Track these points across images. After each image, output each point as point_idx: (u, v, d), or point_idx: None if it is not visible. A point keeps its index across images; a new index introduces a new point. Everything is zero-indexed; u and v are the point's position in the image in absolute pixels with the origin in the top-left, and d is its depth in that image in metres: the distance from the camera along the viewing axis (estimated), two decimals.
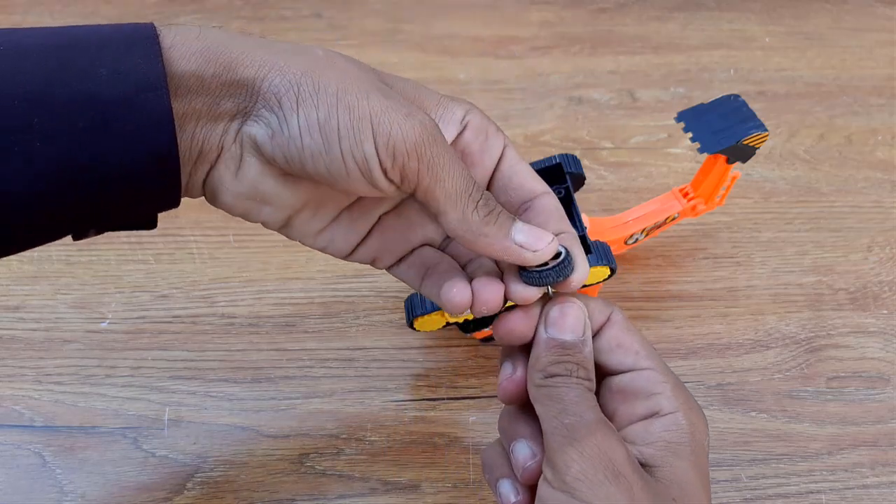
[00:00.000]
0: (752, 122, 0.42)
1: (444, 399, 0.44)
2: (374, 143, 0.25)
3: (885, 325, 0.48)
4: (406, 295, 0.41)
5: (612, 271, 0.39)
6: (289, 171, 0.27)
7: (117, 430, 0.43)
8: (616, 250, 0.46)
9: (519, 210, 0.30)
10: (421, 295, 0.39)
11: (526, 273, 0.28)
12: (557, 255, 0.28)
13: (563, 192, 0.41)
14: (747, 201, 0.55)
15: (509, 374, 0.29)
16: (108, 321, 0.47)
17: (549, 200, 0.30)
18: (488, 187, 0.31)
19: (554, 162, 0.42)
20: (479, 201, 0.27)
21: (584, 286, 0.39)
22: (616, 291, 0.49)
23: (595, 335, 0.29)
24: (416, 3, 0.71)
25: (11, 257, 0.52)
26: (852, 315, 0.48)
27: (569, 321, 0.28)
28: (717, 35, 0.68)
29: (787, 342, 0.47)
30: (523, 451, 0.28)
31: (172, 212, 0.54)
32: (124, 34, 0.26)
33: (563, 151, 0.48)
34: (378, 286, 0.49)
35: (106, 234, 0.54)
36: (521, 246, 0.27)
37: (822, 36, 0.68)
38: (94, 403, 0.44)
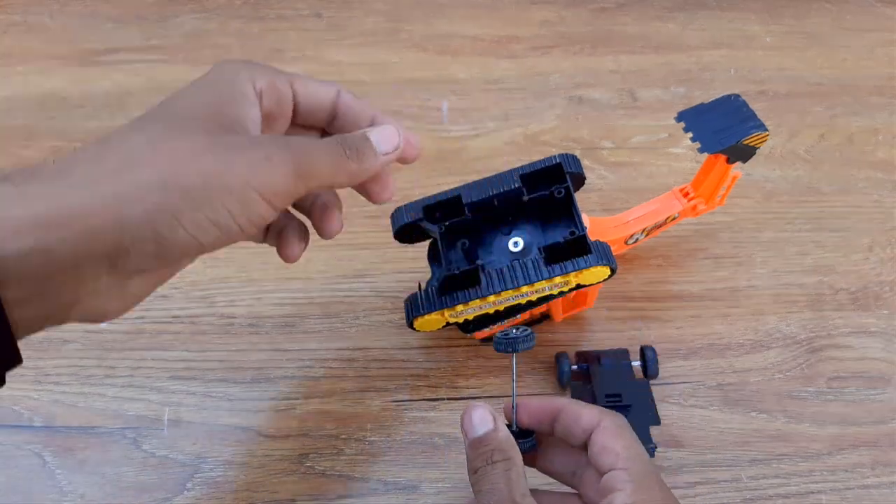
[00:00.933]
0: (752, 122, 0.42)
1: (444, 399, 0.44)
2: (265, 200, 0.28)
3: (886, 326, 0.48)
4: (406, 295, 0.41)
5: (613, 271, 0.39)
6: (179, 267, 0.31)
7: (117, 430, 0.43)
8: (616, 250, 0.46)
9: (329, 118, 0.35)
10: (421, 295, 0.39)
11: (496, 341, 0.34)
12: (526, 328, 0.34)
13: (563, 191, 0.41)
14: (748, 201, 0.55)
15: None
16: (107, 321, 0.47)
17: (343, 98, 0.35)
18: (294, 115, 0.34)
19: (554, 162, 0.42)
20: (347, 153, 0.31)
21: (585, 286, 0.39)
22: (617, 291, 0.49)
23: (589, 438, 0.33)
24: (416, 2, 0.71)
25: None
26: (853, 315, 0.48)
27: (474, 420, 0.33)
28: (717, 34, 0.68)
29: (787, 342, 0.47)
30: None
31: None
32: None
33: (564, 151, 0.48)
34: (378, 286, 0.49)
35: None
36: (386, 153, 0.33)
37: (822, 35, 0.68)
38: (94, 404, 0.44)
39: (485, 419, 0.33)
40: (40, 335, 0.47)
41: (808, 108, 0.62)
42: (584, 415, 0.33)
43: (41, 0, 0.70)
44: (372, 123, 0.35)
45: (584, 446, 0.33)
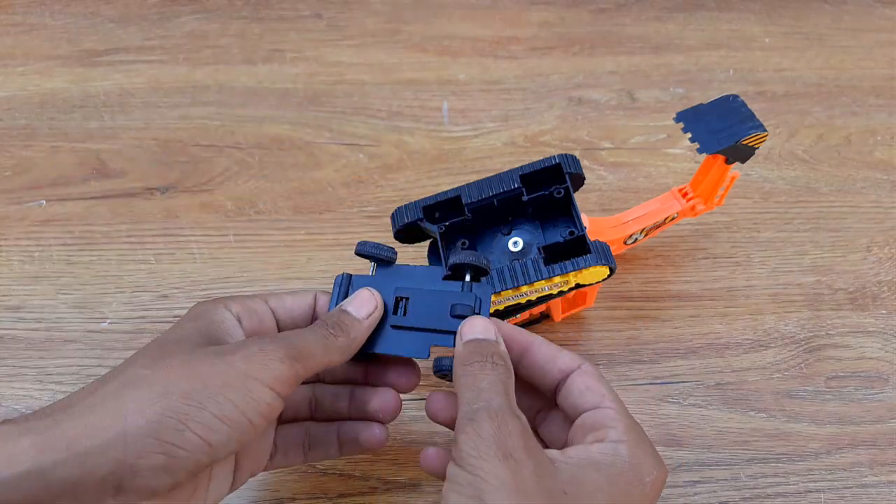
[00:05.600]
0: (751, 123, 0.42)
1: None
2: (271, 389, 0.29)
3: (883, 325, 0.48)
4: None
5: (612, 271, 0.39)
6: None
7: None
8: (616, 250, 0.46)
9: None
10: None
11: (435, 368, 0.33)
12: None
13: (562, 192, 0.41)
14: (746, 201, 0.55)
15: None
16: (108, 321, 0.47)
17: (319, 302, 0.36)
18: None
19: (553, 162, 0.42)
20: (333, 332, 0.32)
21: (584, 286, 0.40)
22: (616, 291, 0.49)
23: (565, 380, 0.32)
24: (416, 3, 0.71)
25: (13, 257, 0.52)
26: (851, 315, 0.48)
27: (477, 326, 0.32)
28: (716, 35, 0.68)
29: (786, 342, 0.47)
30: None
31: (173, 212, 0.55)
32: None
33: (563, 151, 0.48)
34: None
35: (106, 233, 0.54)
36: (368, 316, 0.34)
37: (821, 36, 0.69)
38: None
39: (488, 329, 0.32)
40: (41, 335, 0.47)
41: (806, 109, 0.62)
42: (563, 356, 0.32)
43: (42, 0, 0.71)
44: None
45: (551, 389, 0.32)
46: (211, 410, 0.27)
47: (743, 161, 0.44)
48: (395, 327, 0.35)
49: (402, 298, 0.35)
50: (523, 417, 0.29)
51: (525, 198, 0.41)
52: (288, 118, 0.60)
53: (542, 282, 0.38)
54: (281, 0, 0.71)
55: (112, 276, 0.50)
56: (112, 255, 0.51)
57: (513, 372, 0.31)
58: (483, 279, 0.35)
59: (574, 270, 0.38)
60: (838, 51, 0.67)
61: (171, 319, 0.47)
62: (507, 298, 0.39)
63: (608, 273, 0.39)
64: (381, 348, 0.35)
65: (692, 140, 0.43)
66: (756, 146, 0.43)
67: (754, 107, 0.44)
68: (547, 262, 0.38)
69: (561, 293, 0.40)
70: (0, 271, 0.50)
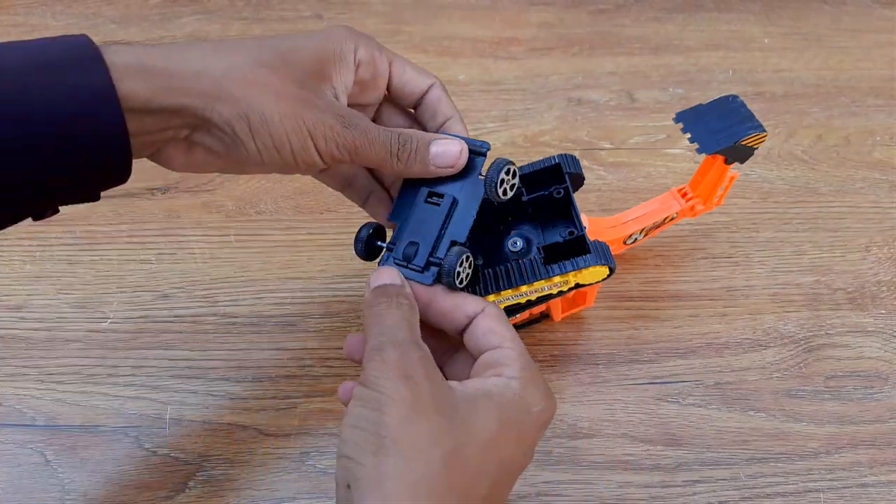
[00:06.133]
0: (750, 123, 0.42)
1: None
2: (318, 153, 0.33)
3: (883, 325, 0.48)
4: None
5: (611, 271, 0.39)
6: (239, 170, 0.34)
7: (119, 429, 0.43)
8: (615, 250, 0.46)
9: (416, 104, 0.38)
10: None
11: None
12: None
13: (562, 192, 0.41)
14: (745, 201, 0.55)
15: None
16: (109, 321, 0.48)
17: (433, 93, 0.37)
18: (387, 92, 0.38)
19: (553, 162, 0.42)
20: (398, 153, 0.35)
21: (584, 285, 0.40)
22: (615, 291, 0.49)
23: (470, 323, 0.34)
24: (416, 4, 0.71)
25: (14, 257, 0.52)
26: (850, 315, 0.49)
27: (384, 274, 0.34)
28: (715, 36, 0.69)
29: (785, 342, 0.47)
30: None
31: (174, 212, 0.55)
32: (73, 56, 0.28)
33: (563, 152, 0.48)
34: None
35: (107, 233, 0.54)
36: (438, 167, 0.35)
37: (820, 37, 0.69)
38: (96, 403, 0.44)
39: (393, 276, 0.34)
40: (43, 334, 0.47)
41: (805, 109, 0.62)
42: (468, 301, 0.34)
43: (44, 1, 0.71)
44: (443, 124, 0.37)
45: (458, 332, 0.35)
46: (271, 132, 0.31)
47: (742, 161, 0.44)
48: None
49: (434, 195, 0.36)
50: (426, 349, 0.31)
51: (525, 198, 0.41)
52: None
53: (542, 282, 0.38)
54: (282, 1, 0.71)
55: (113, 275, 0.50)
56: (113, 254, 0.51)
57: (417, 311, 0.33)
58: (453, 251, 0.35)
59: (574, 270, 0.38)
60: (837, 51, 0.67)
61: (173, 319, 0.48)
62: (507, 298, 0.39)
63: (608, 273, 0.39)
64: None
65: (691, 140, 0.43)
66: (755, 146, 0.43)
67: (753, 107, 0.44)
68: (546, 261, 0.38)
69: (561, 293, 0.40)
70: (2, 271, 0.50)
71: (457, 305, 0.34)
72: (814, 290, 0.50)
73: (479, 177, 0.36)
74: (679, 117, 0.44)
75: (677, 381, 0.45)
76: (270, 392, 0.44)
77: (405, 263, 0.35)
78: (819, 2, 0.72)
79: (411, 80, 0.37)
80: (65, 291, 0.49)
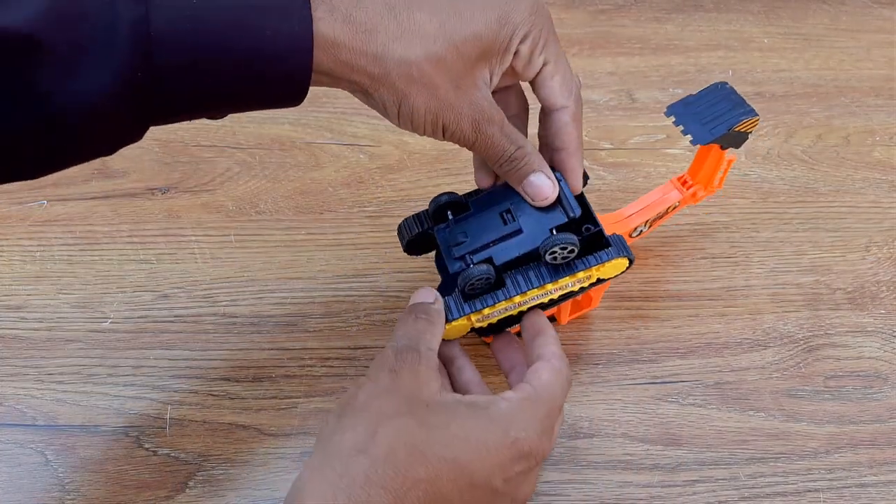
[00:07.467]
0: (741, 109, 0.42)
1: None
2: (445, 139, 0.36)
3: (882, 325, 0.48)
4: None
5: (631, 262, 0.40)
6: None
7: (119, 428, 0.43)
8: None
9: (545, 112, 0.40)
10: (454, 301, 0.39)
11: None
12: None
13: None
14: (745, 201, 0.55)
15: None
16: (110, 321, 0.48)
17: (561, 117, 0.39)
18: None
19: None
20: (504, 162, 0.38)
21: (604, 280, 0.40)
22: (615, 291, 0.49)
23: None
24: None
25: (14, 257, 0.52)
26: (850, 314, 0.49)
27: (421, 293, 0.38)
28: (715, 36, 0.69)
29: (784, 341, 0.47)
30: None
31: (174, 212, 0.55)
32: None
33: None
34: (378, 286, 0.49)
35: (107, 233, 0.54)
36: (526, 193, 0.39)
37: (819, 37, 0.69)
38: (96, 402, 0.44)
39: (427, 296, 0.38)
40: (43, 334, 0.47)
41: (805, 109, 0.62)
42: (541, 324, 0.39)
43: None
44: (557, 151, 0.39)
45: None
46: (418, 119, 0.35)
47: (738, 146, 0.43)
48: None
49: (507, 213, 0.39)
50: (429, 355, 0.35)
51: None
52: (289, 118, 0.60)
53: (567, 278, 0.38)
54: None
55: (113, 275, 0.50)
56: (113, 254, 0.51)
57: (438, 325, 0.37)
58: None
59: (597, 265, 0.38)
60: (837, 51, 0.67)
61: (173, 319, 0.48)
62: (532, 298, 0.39)
63: (628, 264, 0.40)
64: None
65: (685, 132, 0.42)
66: (749, 131, 0.43)
67: (753, 107, 0.44)
68: (578, 256, 0.38)
69: (582, 289, 0.40)
70: (2, 271, 0.50)
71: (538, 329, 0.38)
72: (813, 290, 0.50)
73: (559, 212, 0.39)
74: (670, 110, 0.43)
75: (677, 381, 0.45)
76: (270, 392, 0.44)
77: (447, 245, 0.39)
78: (818, 2, 0.72)
79: (550, 95, 0.38)
80: (65, 291, 0.49)
